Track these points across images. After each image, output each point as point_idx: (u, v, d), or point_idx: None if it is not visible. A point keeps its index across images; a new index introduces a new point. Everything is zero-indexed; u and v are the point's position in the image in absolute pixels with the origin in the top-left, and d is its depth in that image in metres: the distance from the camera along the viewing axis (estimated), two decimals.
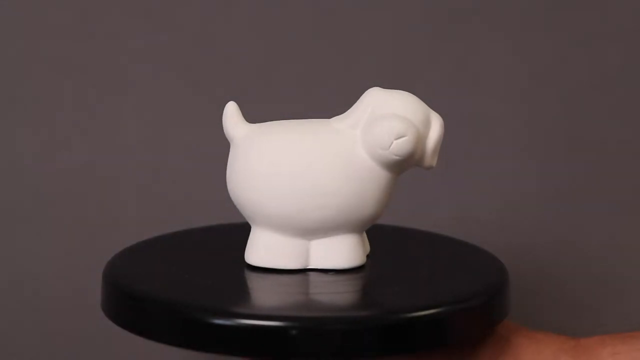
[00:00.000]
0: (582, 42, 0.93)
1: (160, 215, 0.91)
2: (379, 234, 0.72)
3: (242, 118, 0.67)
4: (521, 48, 0.93)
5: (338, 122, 0.65)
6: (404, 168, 0.65)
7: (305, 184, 0.64)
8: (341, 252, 0.65)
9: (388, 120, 0.64)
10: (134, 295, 0.61)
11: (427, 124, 0.65)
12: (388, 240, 0.73)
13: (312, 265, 0.65)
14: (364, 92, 0.66)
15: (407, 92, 0.66)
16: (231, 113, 0.67)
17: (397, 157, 0.64)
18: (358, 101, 0.66)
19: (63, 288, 0.91)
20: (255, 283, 0.64)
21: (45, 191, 0.91)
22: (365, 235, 0.67)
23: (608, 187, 0.94)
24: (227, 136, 0.67)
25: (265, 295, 0.63)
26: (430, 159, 0.66)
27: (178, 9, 0.91)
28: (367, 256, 0.67)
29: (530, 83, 0.93)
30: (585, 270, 0.94)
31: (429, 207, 0.92)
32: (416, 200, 0.90)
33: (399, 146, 0.64)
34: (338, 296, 0.62)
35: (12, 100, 0.90)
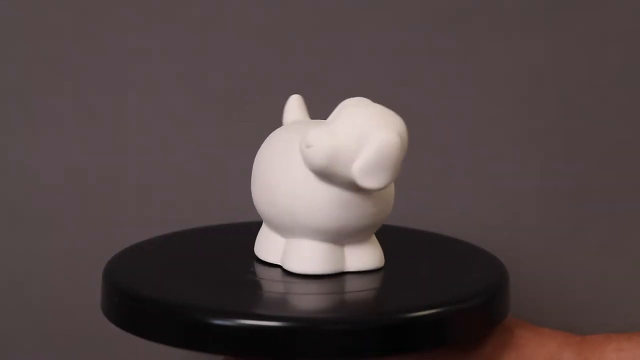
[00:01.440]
0: (582, 42, 0.93)
1: (160, 215, 0.91)
2: (379, 234, 0.72)
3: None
4: (521, 48, 0.93)
5: None
6: (343, 181, 0.63)
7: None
8: (375, 253, 0.66)
9: (315, 127, 0.62)
10: (134, 295, 0.61)
11: (359, 140, 0.62)
12: (387, 241, 0.73)
13: (349, 269, 0.66)
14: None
15: (371, 105, 0.64)
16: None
17: (309, 166, 0.62)
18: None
19: (63, 288, 0.91)
20: (255, 283, 0.64)
21: (45, 191, 0.91)
22: None
23: (608, 187, 0.94)
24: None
25: (265, 295, 0.63)
26: (360, 178, 0.62)
27: (178, 9, 0.91)
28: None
29: (530, 83, 0.93)
30: (585, 270, 0.94)
31: (429, 207, 0.92)
32: (416, 200, 0.90)
33: (305, 154, 0.62)
34: (338, 296, 0.62)
35: (12, 100, 0.90)
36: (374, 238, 0.67)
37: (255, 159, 0.66)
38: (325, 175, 0.62)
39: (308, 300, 0.62)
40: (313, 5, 0.91)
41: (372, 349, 0.58)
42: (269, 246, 0.66)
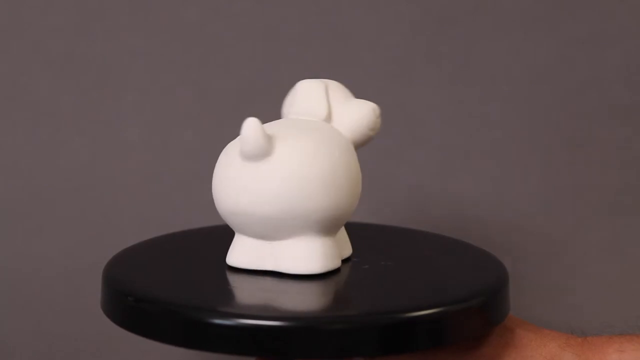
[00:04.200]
0: (582, 42, 0.93)
1: (160, 216, 0.91)
2: (379, 234, 0.72)
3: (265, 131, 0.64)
4: (521, 48, 0.93)
5: (309, 118, 0.67)
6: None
7: (352, 181, 0.65)
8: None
9: (362, 102, 0.68)
10: (134, 295, 0.61)
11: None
12: (388, 240, 0.73)
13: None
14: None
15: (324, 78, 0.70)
16: (258, 128, 0.62)
17: (374, 133, 0.68)
18: (301, 95, 0.68)
19: (63, 288, 0.91)
20: (255, 283, 0.64)
21: (45, 191, 0.91)
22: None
23: (608, 187, 0.94)
24: (254, 154, 0.63)
25: (265, 295, 0.63)
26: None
27: (178, 9, 0.91)
28: (368, 257, 0.68)
29: (531, 83, 0.93)
30: (586, 271, 0.94)
31: (428, 207, 0.92)
32: (416, 200, 0.90)
33: (379, 122, 0.68)
34: (338, 296, 0.62)
35: (12, 100, 0.90)
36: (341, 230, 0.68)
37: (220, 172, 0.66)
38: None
39: (307, 300, 0.62)
40: (313, 5, 0.91)
41: (371, 349, 0.58)
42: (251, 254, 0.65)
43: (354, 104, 0.68)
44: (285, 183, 0.62)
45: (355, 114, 0.67)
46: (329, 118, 0.67)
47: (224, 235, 0.72)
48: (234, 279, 0.64)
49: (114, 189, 0.91)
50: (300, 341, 0.57)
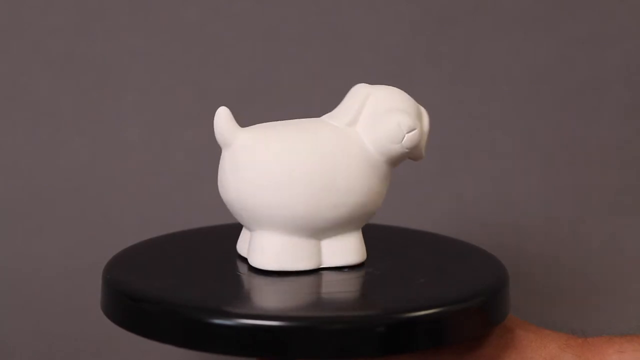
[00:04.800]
0: (582, 42, 0.93)
1: (160, 215, 0.91)
2: (379, 234, 0.72)
3: (235, 122, 0.65)
4: (521, 48, 0.93)
5: (333, 120, 0.66)
6: (402, 160, 0.67)
7: (319, 184, 0.64)
8: (352, 248, 0.66)
9: (396, 114, 0.65)
10: (134, 295, 0.61)
11: (420, 116, 0.67)
12: (388, 241, 0.73)
13: (325, 264, 0.65)
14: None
15: (394, 87, 0.67)
16: (226, 118, 0.65)
17: (407, 150, 0.65)
18: (347, 98, 0.66)
19: (63, 288, 0.91)
20: (255, 283, 0.64)
21: (45, 191, 0.91)
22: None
23: (608, 187, 0.94)
24: (221, 142, 0.65)
25: (264, 295, 0.63)
26: (424, 151, 0.68)
27: (178, 9, 0.91)
28: (367, 256, 0.68)
29: (531, 83, 0.93)
30: (585, 270, 0.94)
31: (428, 207, 0.92)
32: (416, 200, 0.91)
33: (410, 139, 0.65)
34: (338, 296, 0.62)
35: (12, 100, 0.90)
36: (360, 232, 0.67)
37: (281, 172, 0.64)
38: (404, 156, 0.66)
39: (307, 300, 0.62)
40: (312, 5, 0.91)
41: (371, 349, 0.58)
42: (300, 254, 0.66)
43: (386, 116, 0.65)
44: (234, 174, 0.64)
45: (379, 126, 0.65)
46: (352, 124, 0.66)
47: (224, 235, 0.72)
48: (234, 279, 0.64)
49: (114, 189, 0.91)
50: (300, 341, 0.57)
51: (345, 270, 0.66)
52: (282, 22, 0.92)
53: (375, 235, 0.71)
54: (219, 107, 0.65)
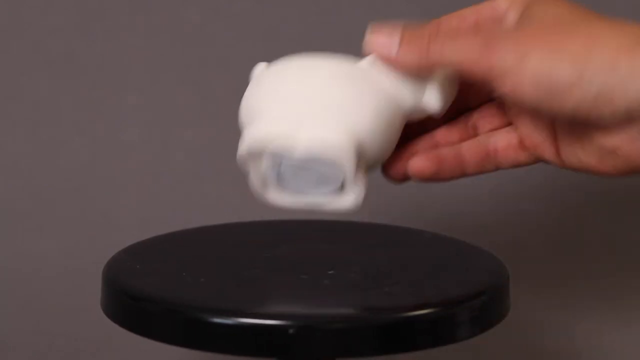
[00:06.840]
0: None
1: (160, 215, 0.91)
2: (379, 234, 0.72)
3: None
4: None
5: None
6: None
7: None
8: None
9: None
10: (134, 295, 0.61)
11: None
12: (388, 240, 0.73)
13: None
14: None
15: None
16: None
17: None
18: None
19: (63, 288, 0.91)
20: (255, 283, 0.64)
21: (45, 191, 0.91)
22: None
23: (608, 187, 0.94)
24: None
25: (265, 295, 0.63)
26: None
27: (178, 9, 0.91)
28: (367, 256, 0.68)
29: None
30: (585, 270, 0.94)
31: (428, 207, 0.92)
32: (415, 200, 0.91)
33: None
34: (338, 296, 0.62)
35: (12, 100, 0.90)
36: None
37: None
38: None
39: (307, 300, 0.62)
40: (312, 5, 0.92)
41: (371, 349, 0.58)
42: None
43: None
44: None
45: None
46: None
47: (224, 235, 0.72)
48: (234, 279, 0.64)
49: (114, 189, 0.91)
50: (300, 341, 0.57)
51: (345, 270, 0.66)
52: (282, 22, 0.92)
53: (374, 234, 0.71)
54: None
